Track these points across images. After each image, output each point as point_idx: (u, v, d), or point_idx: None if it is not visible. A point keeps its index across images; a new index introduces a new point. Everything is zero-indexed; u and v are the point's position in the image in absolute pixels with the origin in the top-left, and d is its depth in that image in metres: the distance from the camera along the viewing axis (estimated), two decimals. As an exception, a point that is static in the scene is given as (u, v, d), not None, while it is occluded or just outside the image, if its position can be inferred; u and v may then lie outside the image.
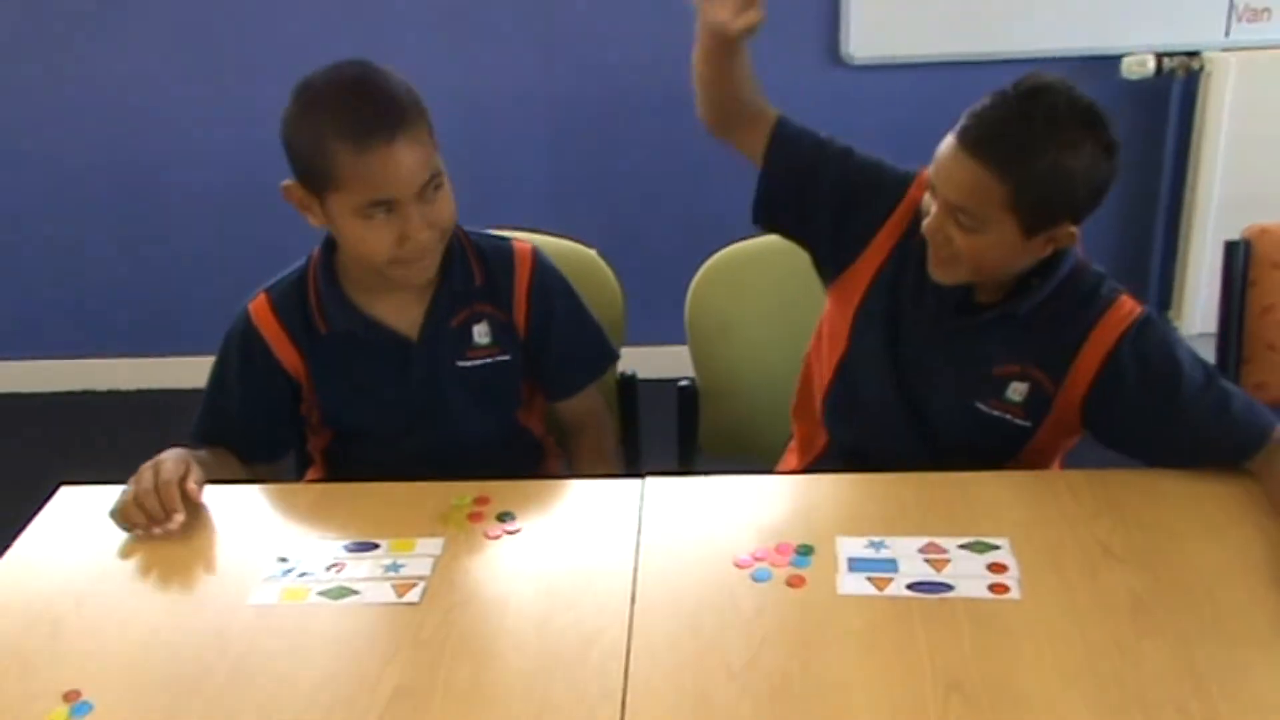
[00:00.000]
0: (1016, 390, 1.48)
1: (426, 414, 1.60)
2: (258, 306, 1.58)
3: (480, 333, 1.59)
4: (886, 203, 1.52)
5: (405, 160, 1.40)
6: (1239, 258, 1.83)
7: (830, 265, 1.58)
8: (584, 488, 1.51)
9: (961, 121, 1.37)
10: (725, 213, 3.11)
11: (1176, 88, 3.02)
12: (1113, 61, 2.97)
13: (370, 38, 3.02)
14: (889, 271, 1.52)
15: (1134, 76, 2.96)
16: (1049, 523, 1.37)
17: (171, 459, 1.46)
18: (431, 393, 1.59)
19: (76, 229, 3.35)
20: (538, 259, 1.62)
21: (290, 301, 1.57)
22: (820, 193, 1.53)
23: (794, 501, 1.45)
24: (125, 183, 3.30)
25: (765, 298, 1.82)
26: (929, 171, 1.42)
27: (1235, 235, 1.84)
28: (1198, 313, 3.06)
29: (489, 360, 1.59)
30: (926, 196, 1.44)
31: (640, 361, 1.89)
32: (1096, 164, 1.34)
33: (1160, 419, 1.42)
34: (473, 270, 1.57)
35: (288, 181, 1.47)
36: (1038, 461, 1.55)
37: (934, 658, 1.17)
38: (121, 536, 1.44)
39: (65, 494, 1.54)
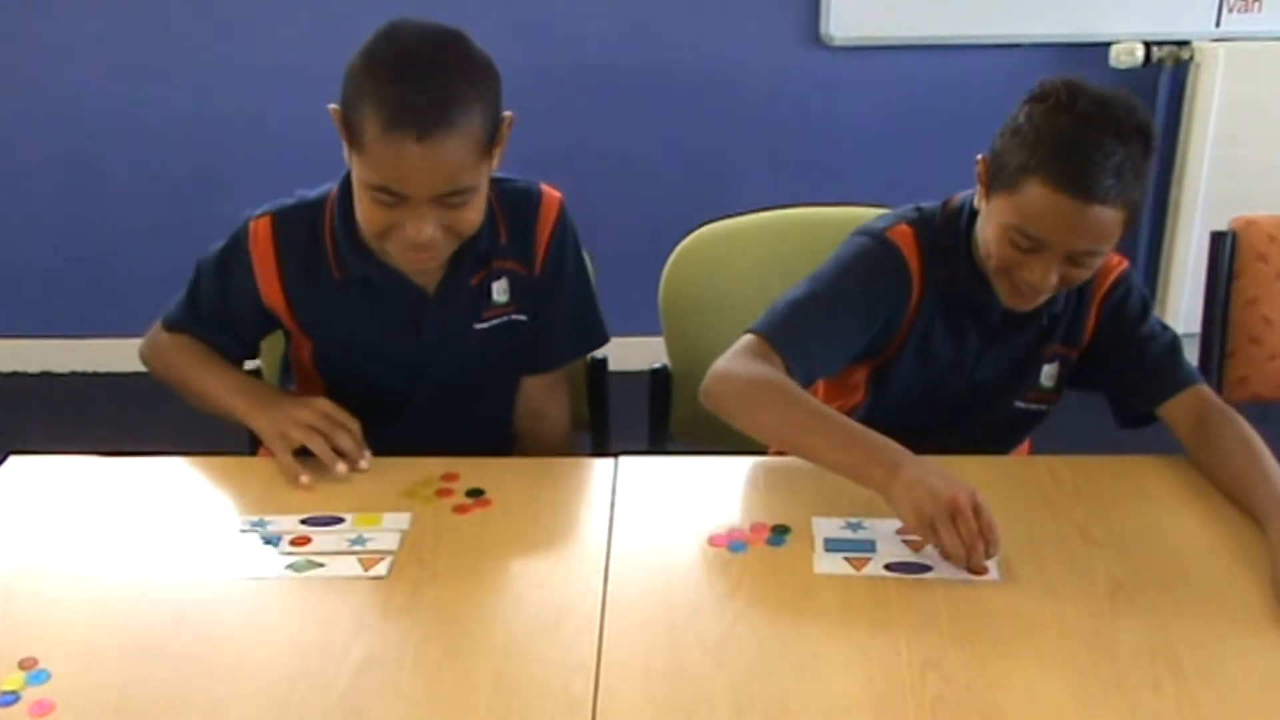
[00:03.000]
0: (1049, 375, 1.62)
1: (432, 377, 1.63)
2: (259, 229, 1.57)
3: (499, 290, 1.61)
4: (902, 295, 1.56)
5: (427, 165, 1.38)
6: (1224, 250, 1.91)
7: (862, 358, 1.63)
8: (556, 466, 1.56)
9: (1051, 165, 1.39)
10: (699, 192, 3.22)
11: (1165, 78, 3.10)
12: (1100, 50, 3.05)
13: (325, 10, 3.05)
14: (920, 329, 1.59)
15: (1122, 65, 3.04)
16: (1029, 506, 1.44)
17: (323, 400, 1.54)
18: (442, 354, 1.62)
19: (8, 204, 3.34)
20: (563, 212, 1.63)
21: (298, 237, 1.57)
22: (850, 342, 1.57)
23: (770, 483, 1.50)
24: (61, 157, 3.29)
25: (744, 277, 1.85)
26: (1016, 221, 1.43)
27: (1222, 228, 1.92)
28: (1182, 310, 3.15)
29: (505, 319, 1.62)
30: (996, 238, 1.47)
31: (610, 352, 1.89)
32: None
33: (1121, 347, 1.58)
34: (499, 229, 1.58)
35: (335, 106, 1.46)
36: None
37: (911, 637, 1.22)
38: (74, 505, 1.48)
39: (14, 463, 1.57)
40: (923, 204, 1.61)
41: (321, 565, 1.35)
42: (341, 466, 1.48)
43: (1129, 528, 1.40)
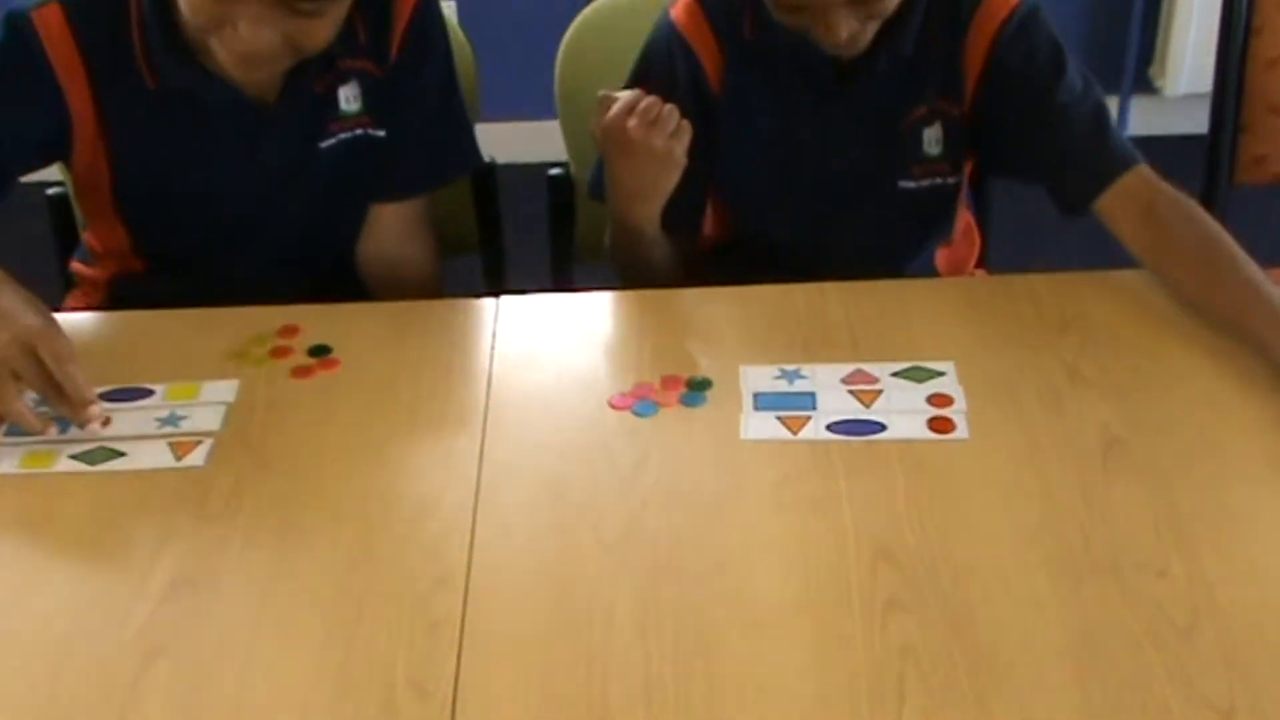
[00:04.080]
0: (932, 140, 1.47)
1: (268, 211, 1.48)
2: (48, 19, 1.38)
3: (348, 96, 1.44)
4: (692, 77, 1.46)
5: None
6: (1241, -2, 1.76)
7: None
8: (422, 312, 1.42)
9: None
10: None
11: None
12: None
13: None
14: (734, 110, 1.47)
15: None
16: (1004, 341, 1.31)
17: (36, 322, 1.21)
18: (281, 181, 1.46)
19: None
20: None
21: (98, 28, 1.38)
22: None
23: (687, 322, 1.38)
24: None
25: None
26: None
27: (1237, -34, 1.77)
28: (1184, 73, 3.04)
29: (358, 133, 1.45)
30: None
31: (499, 142, 1.76)
32: None
33: (1033, 118, 1.42)
34: (355, 24, 1.42)
35: None
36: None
37: (859, 518, 1.11)
38: None
39: None
40: None
41: (122, 454, 1.21)
42: (53, 429, 1.22)
43: (1128, 363, 1.27)
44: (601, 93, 1.33)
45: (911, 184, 1.49)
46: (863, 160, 1.48)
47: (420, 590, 1.05)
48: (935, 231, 1.57)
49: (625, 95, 1.32)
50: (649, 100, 1.31)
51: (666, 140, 1.31)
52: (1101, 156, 1.39)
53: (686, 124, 1.32)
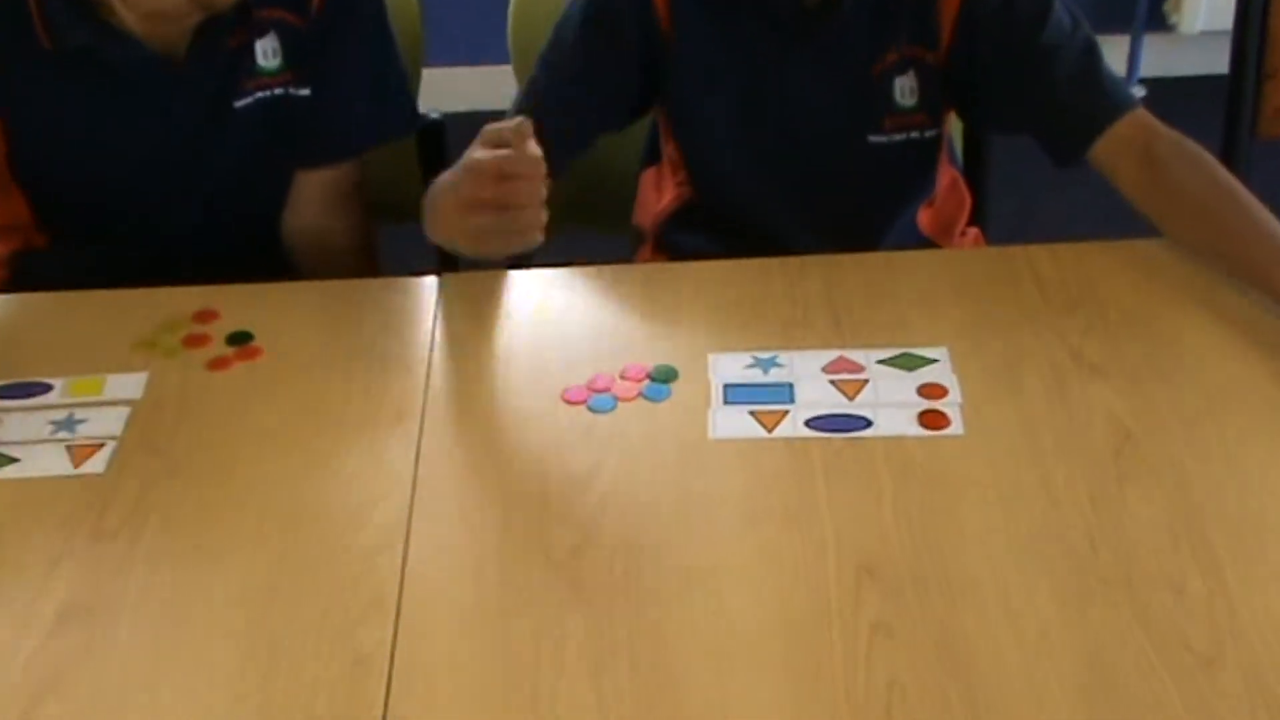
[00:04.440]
0: (906, 90, 1.42)
1: (180, 181, 1.42)
2: None
3: (266, 51, 1.39)
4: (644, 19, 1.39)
5: None
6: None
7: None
8: (354, 293, 1.35)
9: None
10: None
11: None
12: None
13: None
14: (684, 36, 1.39)
15: None
16: (1004, 322, 1.25)
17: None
18: (193, 146, 1.41)
19: None
20: None
21: None
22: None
23: (650, 304, 1.31)
24: None
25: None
26: None
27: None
28: (1200, 12, 3.00)
29: (278, 92, 1.40)
30: None
31: (447, 91, 1.72)
32: None
33: (1018, 63, 1.37)
34: None
35: None
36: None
37: (841, 529, 1.04)
38: None
39: None
40: None
41: (14, 460, 1.13)
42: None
43: (1142, 348, 1.21)
44: (518, 120, 1.10)
45: (882, 138, 1.43)
46: (829, 112, 1.42)
47: (345, 618, 0.98)
48: (914, 190, 1.51)
49: (520, 154, 1.09)
50: (534, 175, 1.09)
51: (514, 231, 1.12)
52: (1094, 101, 1.35)
53: (540, 236, 1.12)
